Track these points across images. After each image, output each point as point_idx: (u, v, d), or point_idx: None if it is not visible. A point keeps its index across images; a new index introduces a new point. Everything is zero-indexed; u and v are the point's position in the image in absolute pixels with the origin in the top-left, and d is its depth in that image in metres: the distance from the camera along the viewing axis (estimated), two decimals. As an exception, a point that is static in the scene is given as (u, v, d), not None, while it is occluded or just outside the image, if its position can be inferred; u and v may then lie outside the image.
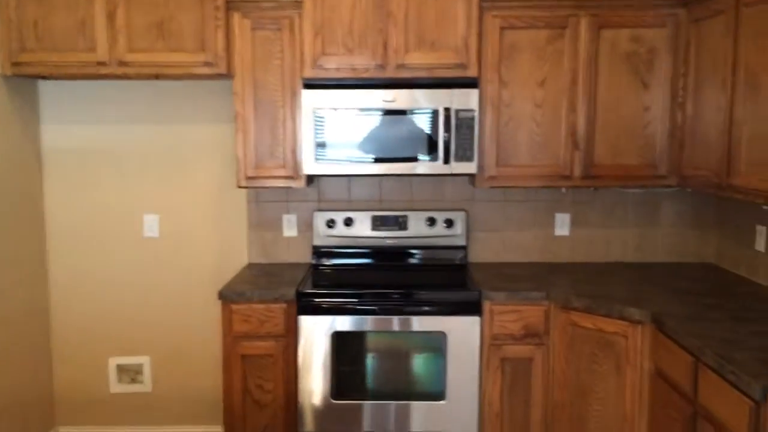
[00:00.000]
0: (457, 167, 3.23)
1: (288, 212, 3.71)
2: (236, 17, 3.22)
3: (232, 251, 3.74)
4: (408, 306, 3.10)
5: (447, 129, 3.19)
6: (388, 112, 3.22)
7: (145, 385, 3.80)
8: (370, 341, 3.17)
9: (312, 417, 3.14)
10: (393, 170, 3.26)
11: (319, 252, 3.64)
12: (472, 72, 3.23)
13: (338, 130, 3.23)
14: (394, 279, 3.41)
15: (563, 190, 3.66)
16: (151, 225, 3.72)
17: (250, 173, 3.34)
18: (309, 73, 3.24)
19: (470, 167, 3.24)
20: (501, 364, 3.12)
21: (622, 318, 2.83)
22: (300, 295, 3.11)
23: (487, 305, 3.10)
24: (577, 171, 3.32)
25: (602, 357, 2.93)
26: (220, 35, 3.20)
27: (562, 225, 3.71)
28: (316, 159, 3.24)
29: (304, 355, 3.11)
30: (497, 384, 3.14)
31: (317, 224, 3.62)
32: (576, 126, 3.29)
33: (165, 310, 3.77)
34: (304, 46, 3.22)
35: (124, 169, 3.69)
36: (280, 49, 3.26)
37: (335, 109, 3.21)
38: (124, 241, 3.73)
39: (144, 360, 3.79)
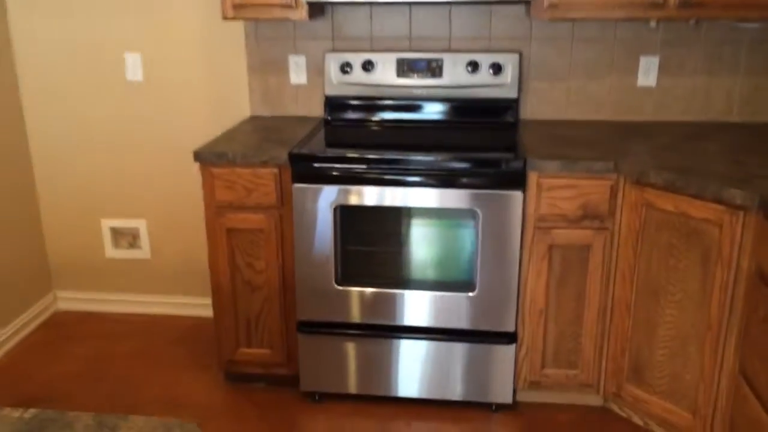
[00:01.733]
0: (505, -11, 2.38)
1: (296, 53, 2.98)
2: None
3: (232, 99, 3.09)
4: (431, 176, 2.40)
5: (491, -67, 2.31)
6: None
7: (144, 251, 3.36)
8: (383, 218, 2.52)
9: (312, 304, 2.58)
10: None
11: (331, 103, 2.93)
12: None
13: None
14: (419, 140, 2.68)
15: (652, 23, 2.75)
16: (133, 66, 3.07)
17: (238, 0, 2.60)
18: None
19: (523, -10, 2.39)
20: (548, 251, 2.44)
21: (718, 201, 2.05)
22: (294, 158, 2.45)
23: (533, 177, 2.36)
24: (674, -4, 2.42)
25: (684, 250, 2.19)
26: None
27: (647, 72, 2.83)
28: (317, -22, 2.46)
29: (302, 231, 2.50)
30: (542, 276, 2.47)
31: (330, 69, 2.89)
32: (678, -71, 2.34)
33: (158, 168, 3.22)
34: None
35: (94, -4, 3.01)
36: None
37: None
38: (104, 85, 3.12)
39: (140, 224, 3.31)
